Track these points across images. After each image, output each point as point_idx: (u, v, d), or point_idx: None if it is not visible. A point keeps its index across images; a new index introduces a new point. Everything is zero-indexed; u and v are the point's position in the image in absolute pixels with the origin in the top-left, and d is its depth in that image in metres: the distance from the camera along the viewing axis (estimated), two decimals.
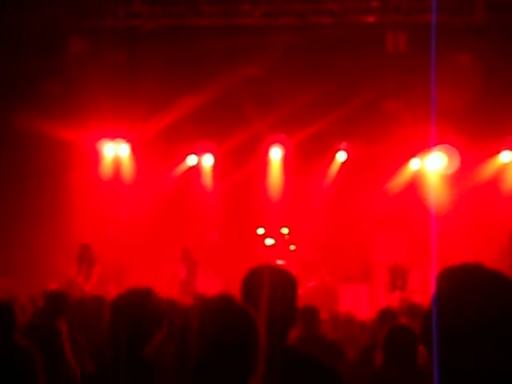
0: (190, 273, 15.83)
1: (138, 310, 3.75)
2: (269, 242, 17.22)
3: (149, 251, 16.61)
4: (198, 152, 17.98)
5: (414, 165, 17.15)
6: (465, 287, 2.13)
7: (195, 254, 16.13)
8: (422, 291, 14.56)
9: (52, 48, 14.99)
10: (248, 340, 2.47)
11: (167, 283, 15.40)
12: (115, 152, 17.70)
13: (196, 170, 18.19)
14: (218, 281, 15.95)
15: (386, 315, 7.88)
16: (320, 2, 14.33)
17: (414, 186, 16.90)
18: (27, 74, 15.25)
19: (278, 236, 17.17)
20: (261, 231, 17.39)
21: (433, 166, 16.86)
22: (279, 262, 15.81)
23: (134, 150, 17.68)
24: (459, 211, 15.95)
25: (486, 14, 13.79)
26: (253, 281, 3.27)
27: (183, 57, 15.00)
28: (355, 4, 14.27)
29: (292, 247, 17.14)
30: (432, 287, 2.23)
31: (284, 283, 3.30)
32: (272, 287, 3.14)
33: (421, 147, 16.41)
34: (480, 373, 2.05)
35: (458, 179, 16.61)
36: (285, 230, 17.25)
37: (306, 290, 15.32)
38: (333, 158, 17.75)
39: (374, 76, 15.02)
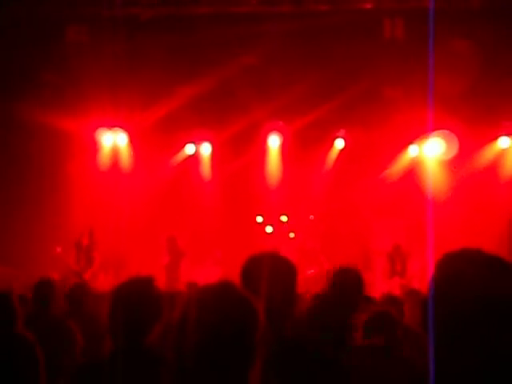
0: (174, 262, 15.84)
1: (138, 299, 3.73)
2: (268, 229, 17.23)
3: (147, 240, 16.62)
4: (196, 141, 17.96)
5: (412, 151, 17.14)
6: (464, 272, 2.13)
7: (182, 243, 16.14)
8: (421, 277, 14.57)
9: (49, 38, 14.94)
10: (249, 329, 2.44)
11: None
12: (113, 141, 17.69)
13: (194, 158, 18.17)
14: (218, 269, 15.96)
15: (390, 302, 7.84)
16: None
17: (413, 172, 16.90)
18: (24, 65, 15.20)
19: (276, 224, 17.18)
20: (260, 219, 17.39)
21: (431, 152, 16.85)
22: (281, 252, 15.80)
23: (131, 139, 17.67)
24: (457, 197, 15.95)
25: None
26: (252, 268, 3.24)
27: (181, 45, 14.96)
28: None
29: (291, 235, 17.15)
30: (430, 273, 2.23)
31: (284, 270, 3.27)
32: (271, 274, 3.10)
33: (419, 133, 16.40)
34: (481, 358, 2.05)
35: (456, 165, 16.60)
36: (284, 218, 17.25)
37: (306, 278, 15.32)
38: (331, 145, 17.73)
39: (371, 63, 14.98)
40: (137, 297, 3.73)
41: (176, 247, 15.99)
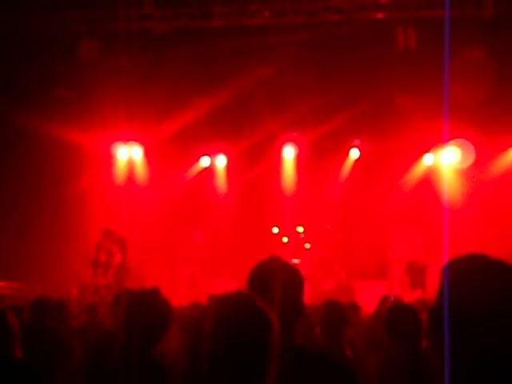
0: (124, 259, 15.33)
1: (146, 309, 3.74)
2: (284, 240, 17.21)
3: (163, 252, 16.64)
4: (211, 153, 18.00)
5: (428, 160, 17.10)
6: (469, 277, 2.13)
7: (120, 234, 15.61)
8: None
9: (63, 53, 15.00)
10: (264, 340, 2.44)
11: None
12: (128, 155, 17.75)
13: (209, 171, 18.21)
14: (233, 282, 15.93)
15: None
16: (328, 0, 14.28)
17: (428, 181, 16.86)
18: (38, 79, 15.26)
19: (292, 234, 17.16)
20: (276, 230, 17.37)
21: (447, 161, 16.80)
22: (294, 260, 15.81)
23: (147, 153, 17.73)
24: (474, 205, 15.88)
25: (495, 7, 13.72)
26: (259, 276, 3.19)
27: (195, 59, 15.00)
28: (364, 0, 14.22)
29: (307, 245, 17.12)
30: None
31: (291, 278, 3.21)
32: (279, 282, 3.06)
33: (434, 142, 16.38)
34: (486, 361, 2.04)
35: (472, 173, 16.54)
36: (300, 229, 17.23)
37: (324, 291, 15.27)
38: (346, 155, 17.74)
39: (384, 73, 14.94)
40: (142, 308, 3.74)
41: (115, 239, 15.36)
